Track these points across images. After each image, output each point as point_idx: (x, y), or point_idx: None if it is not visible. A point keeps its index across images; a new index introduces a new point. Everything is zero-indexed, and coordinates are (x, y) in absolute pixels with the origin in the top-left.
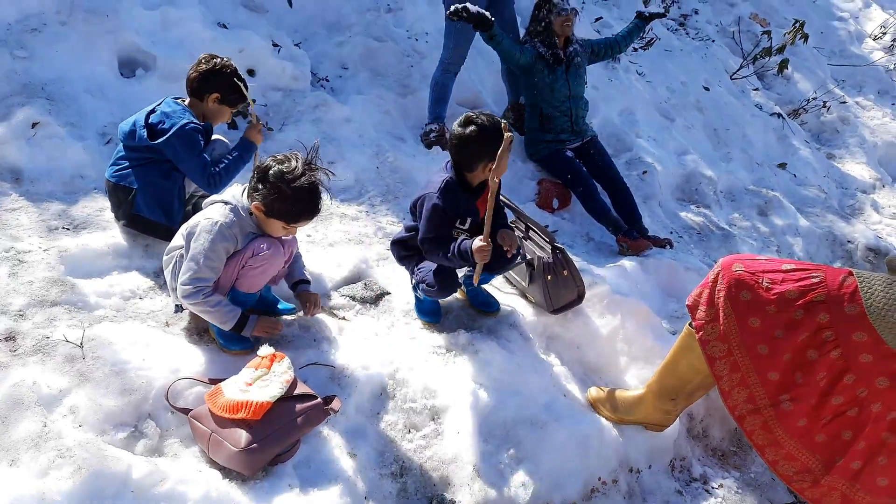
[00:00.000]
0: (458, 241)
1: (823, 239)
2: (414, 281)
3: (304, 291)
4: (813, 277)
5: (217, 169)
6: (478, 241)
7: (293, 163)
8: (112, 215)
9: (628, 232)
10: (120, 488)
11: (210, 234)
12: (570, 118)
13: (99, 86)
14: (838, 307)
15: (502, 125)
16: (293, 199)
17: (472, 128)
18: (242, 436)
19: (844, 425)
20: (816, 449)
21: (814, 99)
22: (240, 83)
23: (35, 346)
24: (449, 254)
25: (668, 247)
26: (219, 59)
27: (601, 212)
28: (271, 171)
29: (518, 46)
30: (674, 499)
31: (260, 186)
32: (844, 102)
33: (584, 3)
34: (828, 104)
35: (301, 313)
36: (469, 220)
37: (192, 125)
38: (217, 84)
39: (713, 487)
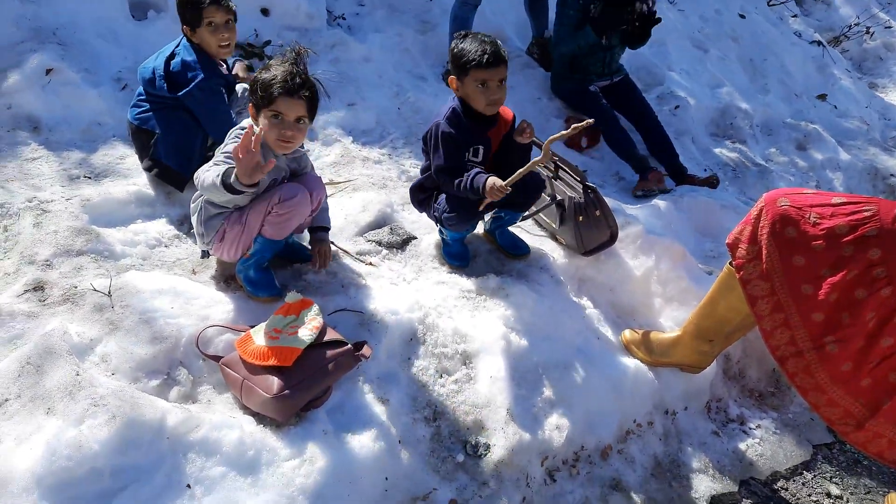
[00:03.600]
0: (472, 173)
1: (865, 173)
2: (436, 216)
3: (318, 239)
4: (865, 211)
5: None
6: (496, 181)
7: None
8: (133, 161)
9: (644, 174)
10: (155, 435)
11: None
12: (602, 62)
13: (111, 29)
14: (892, 242)
15: (578, 122)
16: (266, 75)
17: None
18: (274, 382)
19: (893, 367)
20: (861, 393)
21: (856, 25)
22: None
23: (63, 295)
24: (461, 185)
25: (714, 185)
26: None
27: (623, 149)
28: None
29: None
30: (710, 440)
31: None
32: (889, 27)
33: None
34: (871, 30)
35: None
36: (481, 151)
37: (215, 78)
38: (181, 16)
39: (750, 428)
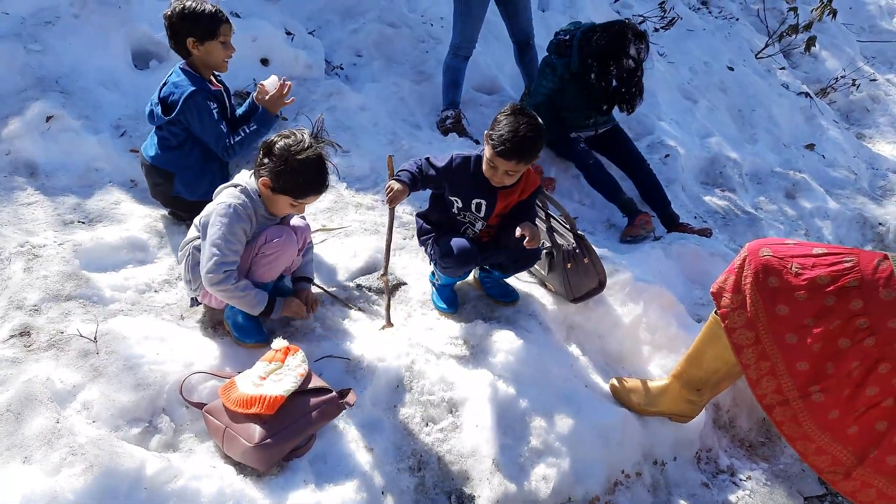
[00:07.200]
0: (407, 167)
1: (853, 221)
2: (431, 258)
3: (302, 288)
4: (846, 262)
5: (232, 141)
6: (393, 184)
7: (299, 136)
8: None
9: (631, 218)
10: (133, 485)
11: (226, 216)
12: (586, 118)
13: (113, 78)
14: (873, 293)
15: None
16: (300, 171)
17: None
18: (256, 431)
19: (879, 416)
20: (848, 441)
21: (842, 77)
22: (206, 6)
23: (49, 341)
24: (407, 167)
25: (707, 237)
26: (178, 4)
27: (608, 190)
28: (277, 146)
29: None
30: (700, 491)
31: (266, 161)
32: (875, 80)
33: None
34: (857, 82)
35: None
36: (483, 206)
37: (201, 91)
38: (188, 28)
39: (741, 479)
